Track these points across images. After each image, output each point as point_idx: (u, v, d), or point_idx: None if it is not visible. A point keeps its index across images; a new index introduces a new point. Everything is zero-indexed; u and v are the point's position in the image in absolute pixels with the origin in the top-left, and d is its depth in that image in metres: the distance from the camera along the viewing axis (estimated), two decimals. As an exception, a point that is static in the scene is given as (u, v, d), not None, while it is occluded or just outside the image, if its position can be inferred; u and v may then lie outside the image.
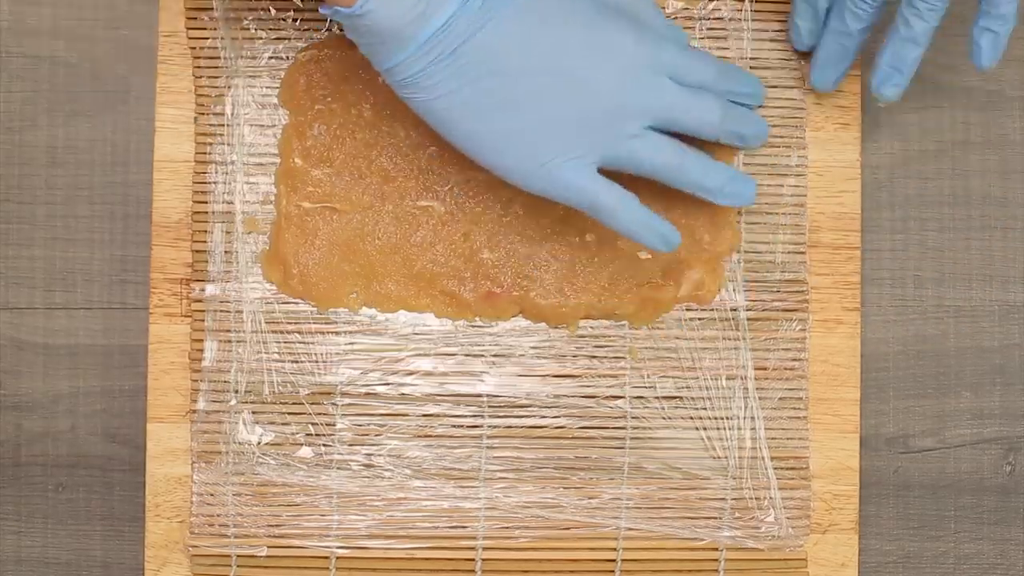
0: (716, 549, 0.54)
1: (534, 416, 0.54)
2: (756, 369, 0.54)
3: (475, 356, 0.54)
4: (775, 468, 0.54)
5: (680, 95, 0.49)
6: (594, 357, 0.54)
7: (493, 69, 0.47)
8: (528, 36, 0.47)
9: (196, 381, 0.54)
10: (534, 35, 0.47)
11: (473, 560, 0.54)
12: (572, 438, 0.54)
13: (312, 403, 0.54)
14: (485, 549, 0.54)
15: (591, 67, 0.48)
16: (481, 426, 0.54)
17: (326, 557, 0.54)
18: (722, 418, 0.54)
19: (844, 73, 0.53)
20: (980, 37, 0.49)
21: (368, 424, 0.54)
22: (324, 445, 0.54)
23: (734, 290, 0.54)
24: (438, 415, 0.54)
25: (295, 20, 0.54)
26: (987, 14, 0.49)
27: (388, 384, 0.54)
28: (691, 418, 0.54)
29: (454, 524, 0.54)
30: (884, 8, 0.51)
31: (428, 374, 0.54)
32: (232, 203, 0.54)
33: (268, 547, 0.54)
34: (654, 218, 0.49)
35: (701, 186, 0.50)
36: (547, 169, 0.48)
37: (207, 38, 0.54)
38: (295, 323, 0.54)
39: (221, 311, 0.54)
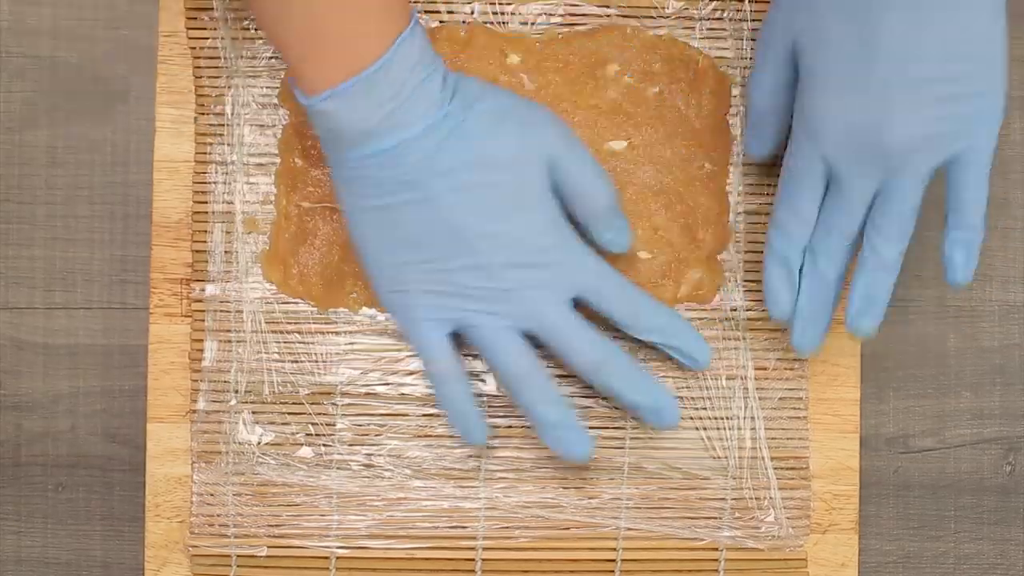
0: (716, 549, 0.54)
1: (534, 416, 0.54)
2: (756, 369, 0.54)
3: (475, 356, 0.54)
4: (775, 468, 0.54)
5: (558, 317, 0.48)
6: (594, 357, 0.54)
7: (412, 201, 0.46)
8: (455, 188, 0.46)
9: (196, 381, 0.54)
10: (460, 190, 0.46)
11: (473, 560, 0.54)
12: (572, 438, 0.54)
13: (312, 403, 0.54)
14: (485, 549, 0.54)
15: (494, 245, 0.47)
16: (481, 426, 0.54)
17: (326, 557, 0.54)
18: (722, 418, 0.54)
19: (826, 329, 0.51)
20: (953, 250, 0.47)
21: (368, 424, 0.54)
22: (324, 445, 0.54)
23: (734, 290, 0.54)
24: (438, 415, 0.54)
25: (295, 20, 0.54)
26: (956, 226, 0.47)
27: (388, 384, 0.54)
28: (691, 418, 0.54)
29: (454, 524, 0.54)
30: (854, 249, 0.50)
31: (428, 374, 0.54)
32: (232, 203, 0.54)
33: (268, 547, 0.54)
34: (472, 412, 0.49)
35: (530, 413, 0.49)
36: (409, 310, 0.48)
37: (207, 38, 0.54)
38: (295, 323, 0.54)
39: (221, 311, 0.54)
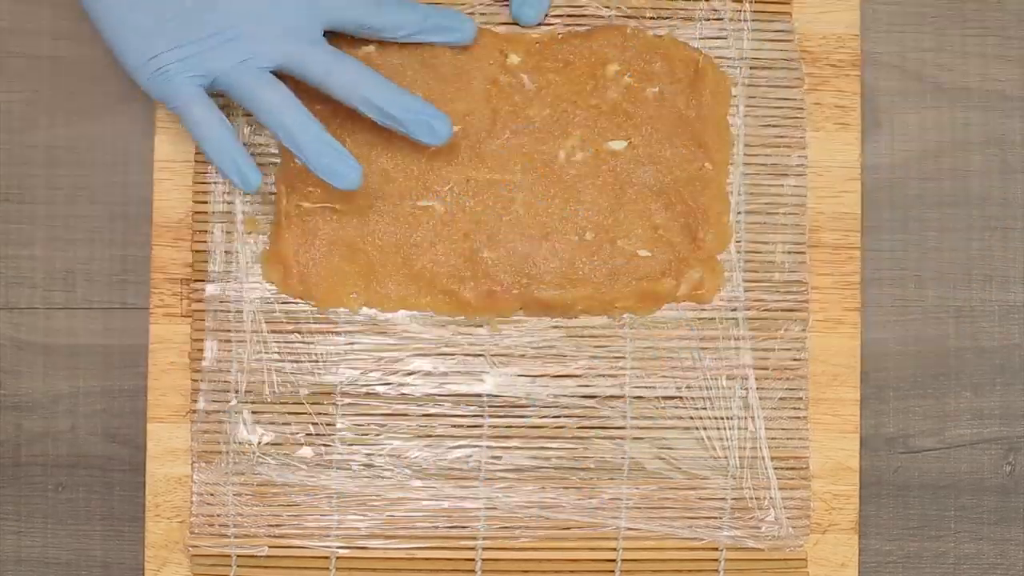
0: (716, 549, 0.54)
1: (534, 416, 0.54)
2: (756, 369, 0.54)
3: (475, 356, 0.54)
4: (775, 468, 0.54)
5: (305, 46, 0.49)
6: (594, 357, 0.54)
7: None
8: None
9: (196, 381, 0.54)
10: None
11: (473, 560, 0.54)
12: (572, 438, 0.54)
13: (312, 403, 0.54)
14: (485, 549, 0.54)
15: None
16: (481, 426, 0.54)
17: (326, 557, 0.54)
18: (722, 418, 0.54)
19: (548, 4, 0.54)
20: None
21: (368, 424, 0.54)
22: (324, 445, 0.54)
23: (734, 290, 0.54)
24: (438, 415, 0.54)
25: (295, 20, 0.54)
26: None
27: (388, 384, 0.54)
28: (691, 418, 0.54)
29: (454, 524, 0.54)
30: None
31: (428, 374, 0.54)
32: (232, 203, 0.54)
33: (268, 547, 0.54)
34: (239, 155, 0.49)
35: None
36: (161, 74, 0.48)
37: (207, 38, 0.54)
38: (295, 323, 0.54)
39: (221, 311, 0.54)
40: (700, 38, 0.55)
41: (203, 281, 0.54)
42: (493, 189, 0.54)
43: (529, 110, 0.54)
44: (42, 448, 0.55)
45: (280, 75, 0.50)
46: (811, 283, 0.55)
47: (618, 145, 0.54)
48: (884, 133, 0.56)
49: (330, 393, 0.54)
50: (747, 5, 0.55)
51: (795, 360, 0.54)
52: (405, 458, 0.54)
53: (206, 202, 0.54)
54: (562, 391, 0.54)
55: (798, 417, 0.55)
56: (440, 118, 0.50)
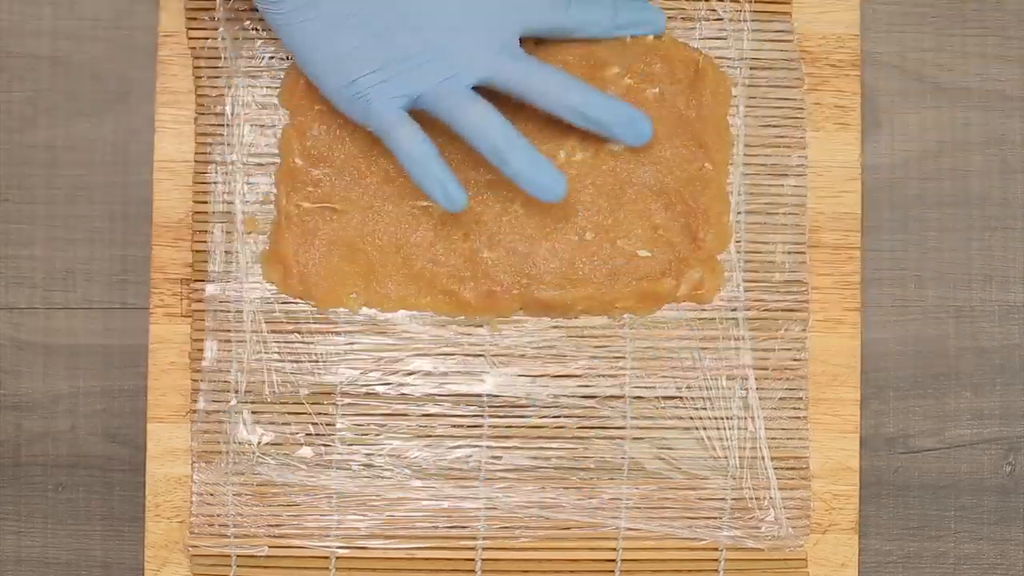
0: (716, 549, 0.54)
1: (534, 416, 0.54)
2: (756, 369, 0.54)
3: (475, 356, 0.54)
4: (775, 468, 0.54)
5: (504, 58, 0.48)
6: (594, 357, 0.54)
7: None
8: None
9: (196, 381, 0.54)
10: None
11: (473, 560, 0.54)
12: (572, 438, 0.54)
13: (312, 403, 0.54)
14: (485, 549, 0.54)
15: (423, 7, 0.48)
16: (481, 426, 0.54)
17: (326, 557, 0.54)
18: (722, 418, 0.54)
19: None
20: None
21: (368, 424, 0.54)
22: (324, 445, 0.54)
23: (734, 290, 0.54)
24: (438, 415, 0.54)
25: (295, 20, 0.54)
26: None
27: (388, 384, 0.54)
28: (691, 418, 0.54)
29: (454, 524, 0.54)
30: None
31: (428, 374, 0.54)
32: (232, 203, 0.54)
33: (268, 547, 0.54)
34: (446, 176, 0.49)
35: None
36: (361, 97, 0.48)
37: (207, 38, 0.54)
38: (295, 323, 0.54)
39: (221, 311, 0.54)
40: (700, 38, 0.55)
41: (203, 281, 0.54)
42: (493, 189, 0.54)
43: (529, 110, 0.54)
44: (42, 448, 0.55)
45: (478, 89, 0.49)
46: (811, 283, 0.55)
47: (618, 146, 0.54)
48: (884, 133, 0.56)
49: (330, 393, 0.54)
50: (747, 5, 0.55)
51: (795, 360, 0.55)
52: (405, 458, 0.54)
53: (206, 202, 0.54)
54: (562, 391, 0.54)
55: (798, 417, 0.55)
56: (642, 118, 0.50)
